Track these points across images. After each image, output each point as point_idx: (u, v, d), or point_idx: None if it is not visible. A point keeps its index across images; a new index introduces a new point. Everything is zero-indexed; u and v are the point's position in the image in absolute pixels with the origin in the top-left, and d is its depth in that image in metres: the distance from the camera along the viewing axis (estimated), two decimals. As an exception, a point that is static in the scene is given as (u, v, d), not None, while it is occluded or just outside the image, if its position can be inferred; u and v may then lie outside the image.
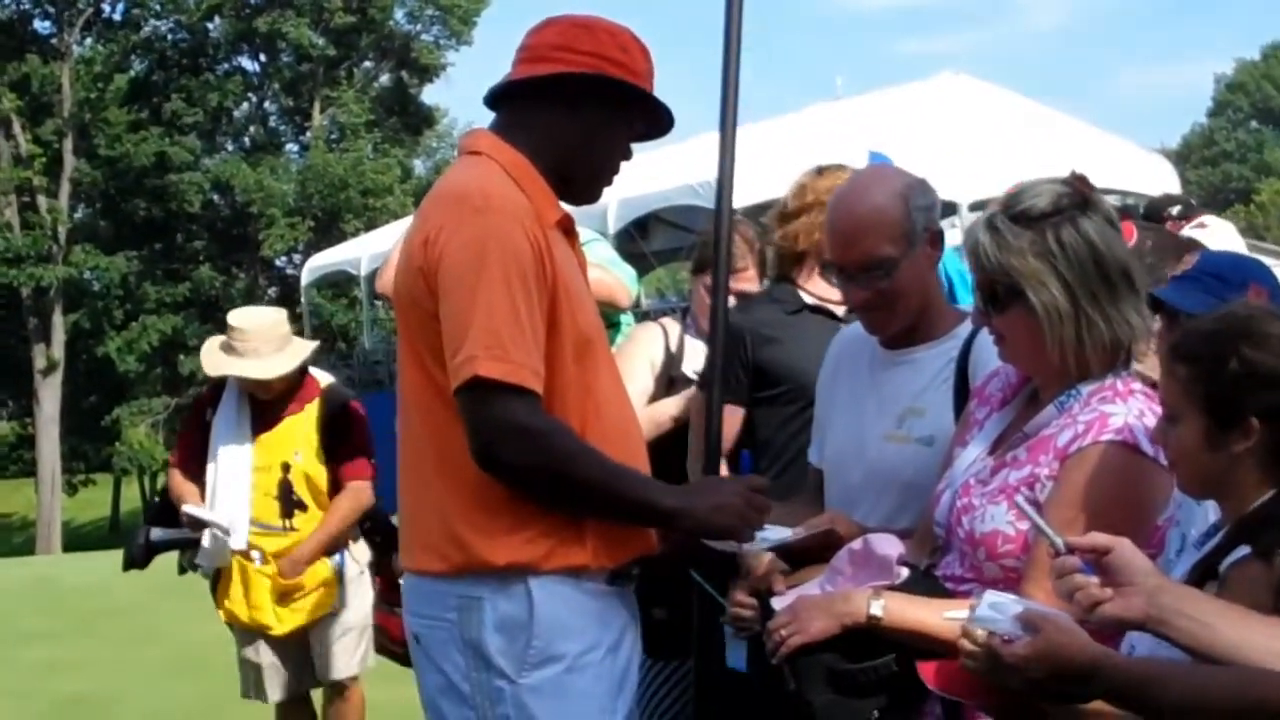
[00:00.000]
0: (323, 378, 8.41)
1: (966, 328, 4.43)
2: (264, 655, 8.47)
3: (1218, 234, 8.02)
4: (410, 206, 47.80)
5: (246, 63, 60.71)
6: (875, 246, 4.36)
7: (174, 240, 59.03)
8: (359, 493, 8.23)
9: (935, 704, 3.78)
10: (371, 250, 31.48)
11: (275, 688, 8.49)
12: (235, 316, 8.25)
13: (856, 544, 3.93)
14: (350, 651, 8.44)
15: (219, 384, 8.33)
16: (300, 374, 8.19)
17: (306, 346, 8.20)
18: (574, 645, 4.06)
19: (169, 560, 8.48)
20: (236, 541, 8.11)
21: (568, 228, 4.23)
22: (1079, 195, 3.82)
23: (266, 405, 8.20)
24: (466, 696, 4.06)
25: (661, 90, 4.29)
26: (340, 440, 8.21)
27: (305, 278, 39.60)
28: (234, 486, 8.10)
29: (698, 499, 4.06)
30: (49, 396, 53.79)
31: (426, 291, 3.99)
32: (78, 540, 54.45)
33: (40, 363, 53.68)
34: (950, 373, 4.46)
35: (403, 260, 4.14)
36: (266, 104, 62.73)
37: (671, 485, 4.17)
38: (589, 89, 4.16)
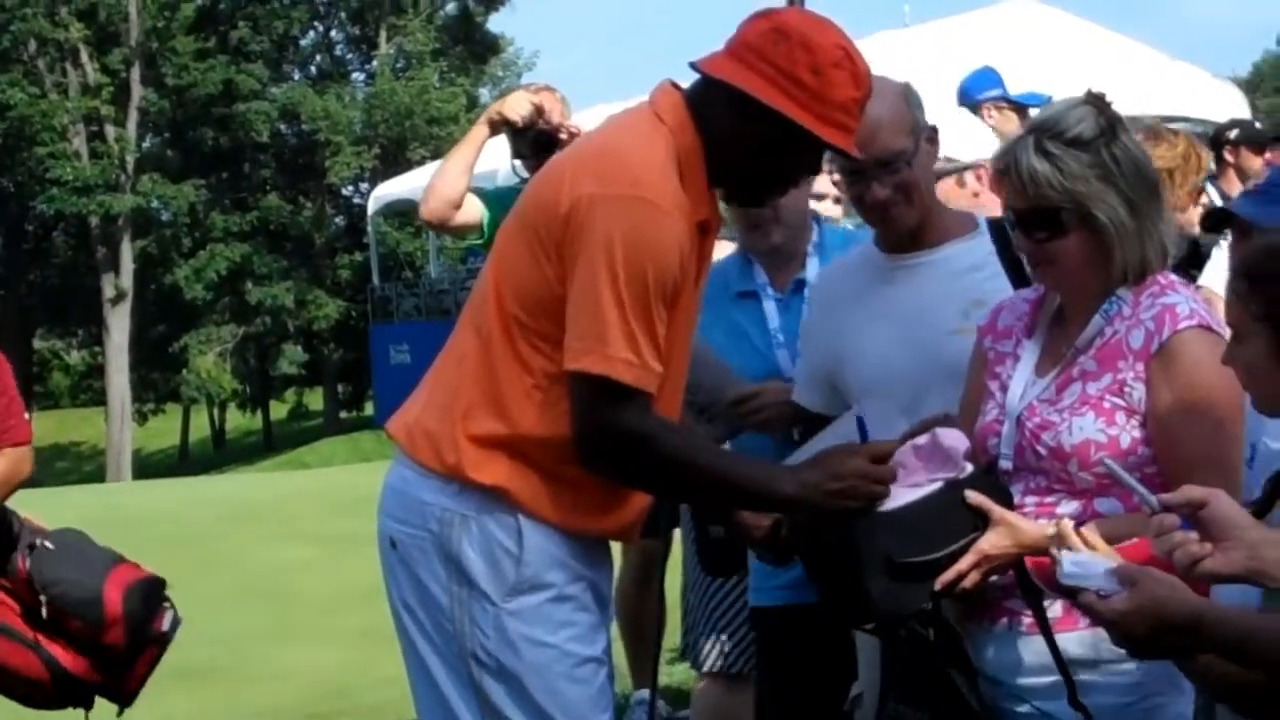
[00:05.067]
0: None
1: (979, 226, 4.70)
2: None
3: None
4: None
5: (313, -10, 60.73)
6: (892, 140, 4.46)
7: (241, 169, 59.23)
8: (18, 461, 5.96)
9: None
10: (437, 179, 31.42)
11: None
12: None
13: (922, 439, 3.93)
14: None
15: None
16: None
17: None
18: (561, 576, 4.08)
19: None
20: None
21: (708, 228, 4.11)
22: (1105, 113, 3.88)
23: None
24: (445, 608, 4.08)
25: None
26: None
27: (371, 206, 39.73)
28: None
29: (814, 481, 3.92)
30: (118, 325, 54.09)
31: (550, 242, 3.94)
32: (148, 469, 54.88)
33: (109, 292, 53.97)
34: (989, 264, 4.60)
35: (534, 197, 4.09)
36: (333, 32, 62.81)
37: (784, 466, 4.16)
38: (759, 108, 3.91)
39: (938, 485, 3.86)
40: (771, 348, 5.43)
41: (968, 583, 3.81)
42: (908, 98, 4.57)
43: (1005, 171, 3.88)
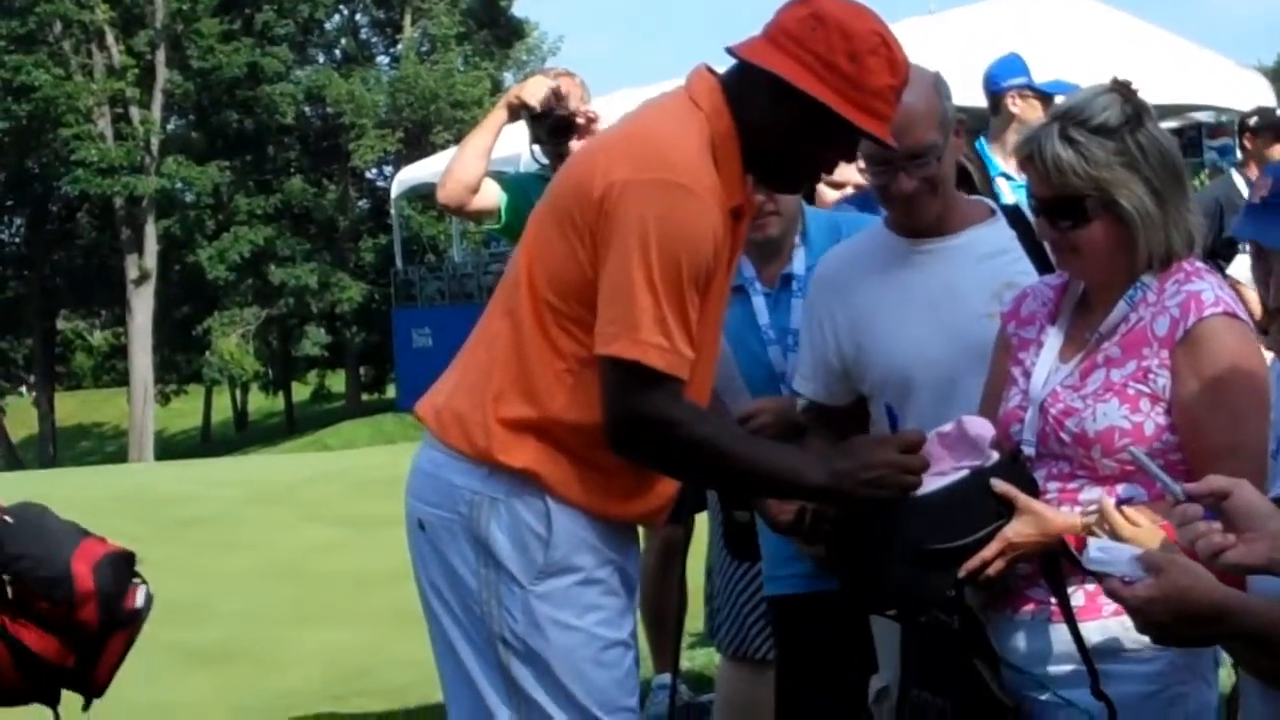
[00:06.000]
0: None
1: (995, 212, 4.75)
2: None
3: None
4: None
5: (338, -26, 60.74)
6: (925, 134, 4.47)
7: (265, 151, 59.30)
8: None
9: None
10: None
11: None
12: None
13: (947, 427, 3.93)
14: None
15: None
16: None
17: None
18: (590, 560, 4.09)
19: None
20: None
21: (741, 214, 4.11)
22: (1130, 100, 3.88)
23: None
24: (472, 591, 4.08)
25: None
26: None
27: (395, 189, 39.70)
28: None
29: (846, 470, 3.91)
30: (141, 306, 54.20)
31: (584, 226, 3.92)
32: (170, 449, 55.04)
33: (133, 273, 54.09)
34: (1013, 248, 4.63)
35: (567, 180, 4.07)
36: (358, 15, 62.80)
37: (815, 455, 4.14)
38: (796, 93, 3.89)
39: (964, 473, 3.86)
40: (762, 345, 5.41)
41: (992, 570, 3.80)
42: (939, 89, 4.55)
43: (1030, 158, 3.87)
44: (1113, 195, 3.80)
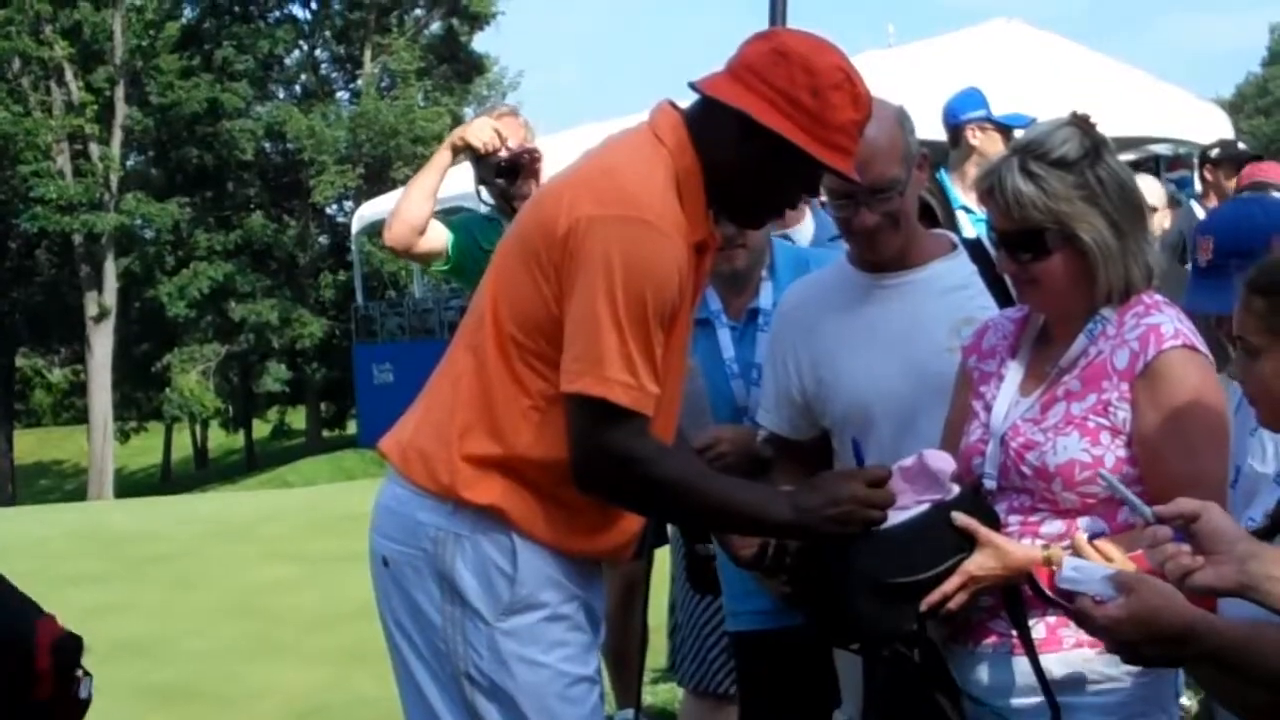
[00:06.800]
0: None
1: (957, 246, 4.76)
2: None
3: None
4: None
5: (298, 10, 60.80)
6: (887, 169, 4.49)
7: (225, 187, 59.22)
8: None
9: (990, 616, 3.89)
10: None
11: None
12: None
13: (908, 461, 3.93)
14: None
15: None
16: None
17: None
18: (555, 596, 4.07)
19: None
20: None
21: (705, 248, 4.09)
22: (1090, 134, 3.90)
23: None
24: (437, 627, 4.07)
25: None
26: None
27: (356, 225, 39.69)
28: None
29: (811, 506, 3.89)
30: (101, 343, 54.04)
31: (549, 263, 3.92)
32: (130, 487, 54.79)
33: (92, 310, 53.93)
34: (973, 283, 4.64)
35: (532, 216, 4.06)
36: (318, 51, 62.78)
37: (780, 491, 4.12)
38: (759, 129, 3.89)
39: (925, 507, 3.86)
40: (726, 379, 5.41)
41: (953, 604, 3.80)
42: (903, 123, 4.58)
43: (990, 192, 3.88)
44: (1072, 228, 3.82)
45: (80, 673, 4.55)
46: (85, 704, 4.54)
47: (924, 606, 3.79)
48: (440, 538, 4.04)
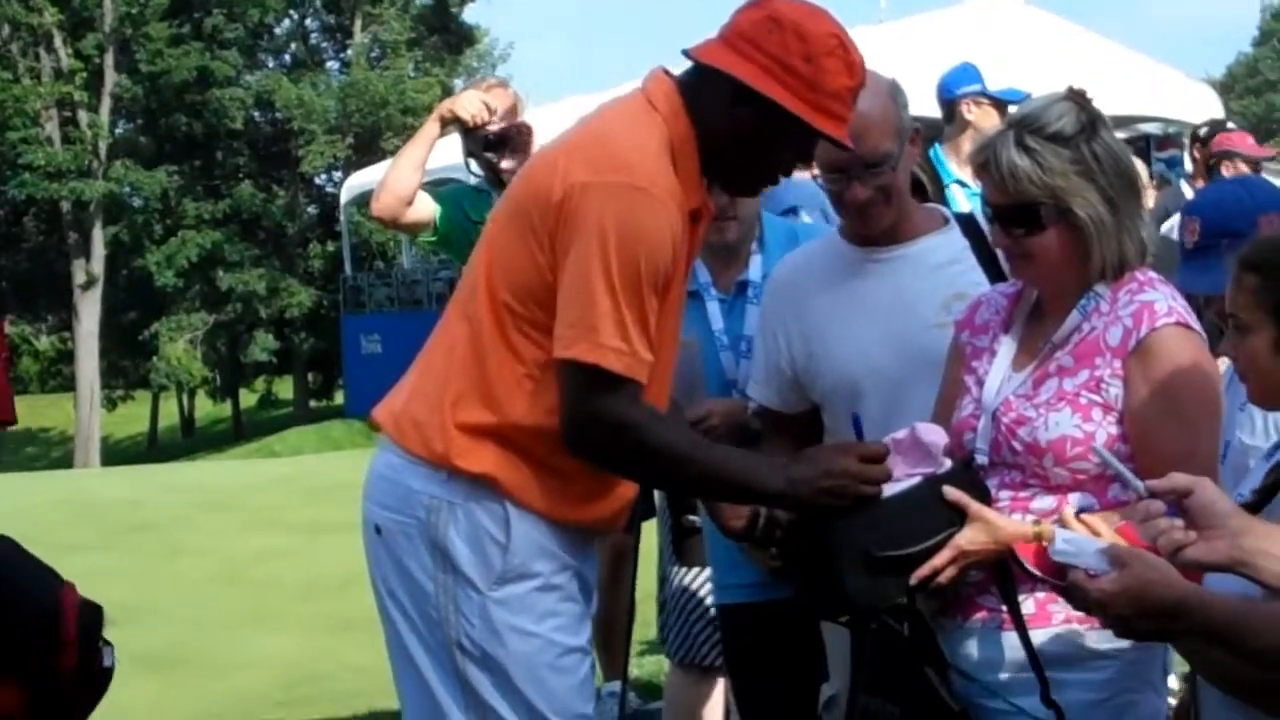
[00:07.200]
0: None
1: (949, 221, 4.74)
2: None
3: None
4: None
5: (288, -22, 60.59)
6: (880, 142, 4.48)
7: (214, 156, 59.08)
8: None
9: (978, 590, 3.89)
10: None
11: None
12: None
13: (901, 434, 3.94)
14: None
15: None
16: None
17: None
18: (548, 566, 4.07)
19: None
20: None
21: (699, 216, 4.09)
22: (1086, 109, 3.91)
23: None
24: (429, 595, 4.06)
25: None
26: None
27: (345, 195, 39.56)
28: None
29: (804, 477, 3.90)
30: (88, 311, 53.94)
31: (543, 230, 3.92)
32: (116, 456, 54.75)
33: (80, 277, 53.84)
34: (965, 258, 4.63)
35: (526, 184, 4.06)
36: (308, 20, 62.67)
37: (773, 461, 4.11)
38: (753, 95, 3.90)
39: (916, 480, 3.87)
40: (715, 351, 5.41)
41: (943, 578, 3.80)
42: (896, 97, 4.57)
43: (985, 166, 3.88)
44: (1067, 203, 3.82)
45: (102, 642, 4.49)
46: (109, 673, 4.43)
47: (914, 580, 3.80)
48: (434, 505, 4.03)
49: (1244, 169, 9.59)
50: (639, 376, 3.87)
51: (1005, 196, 3.86)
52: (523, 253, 3.95)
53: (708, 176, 4.07)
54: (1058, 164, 3.81)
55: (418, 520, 4.05)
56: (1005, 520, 3.79)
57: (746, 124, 3.95)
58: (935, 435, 3.91)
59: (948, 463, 3.90)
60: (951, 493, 3.81)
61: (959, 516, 3.80)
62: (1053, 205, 3.83)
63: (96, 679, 4.50)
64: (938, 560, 3.79)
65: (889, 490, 3.87)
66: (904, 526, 3.81)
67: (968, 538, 3.79)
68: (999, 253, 4.15)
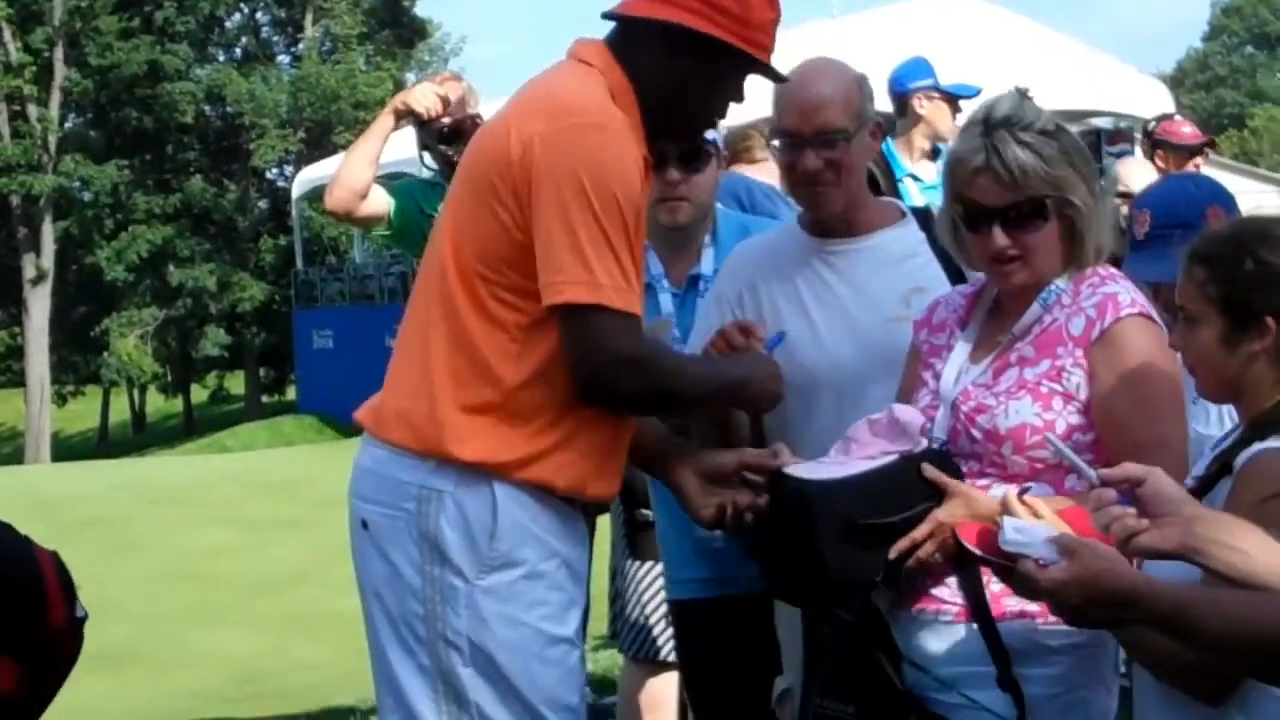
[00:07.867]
0: None
1: (906, 214, 4.79)
2: None
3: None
4: (402, 120, 47.72)
5: (238, -28, 60.40)
6: (835, 117, 4.52)
7: (165, 151, 58.88)
8: None
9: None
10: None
11: None
12: None
13: (878, 415, 3.97)
14: None
15: None
16: None
17: None
18: (534, 553, 4.04)
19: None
20: None
21: (645, 166, 4.10)
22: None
23: None
24: (416, 590, 4.02)
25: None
26: None
27: (296, 190, 39.59)
28: None
29: (754, 370, 4.21)
30: (38, 306, 53.74)
31: (507, 190, 3.91)
32: (67, 451, 54.54)
33: (29, 272, 53.63)
34: (922, 251, 4.64)
35: (479, 153, 4.08)
36: (259, 14, 62.48)
37: (724, 359, 4.31)
38: (688, 40, 3.98)
39: (893, 457, 3.88)
40: (668, 344, 5.39)
41: (923, 552, 3.81)
42: (861, 87, 4.62)
43: (984, 168, 3.87)
44: (1067, 194, 3.87)
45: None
46: (83, 622, 4.45)
47: (893, 553, 3.81)
48: (423, 495, 4.00)
49: (1173, 162, 9.60)
50: (637, 310, 3.90)
51: (1011, 194, 3.87)
52: (488, 219, 3.94)
53: (648, 128, 4.10)
54: (1057, 156, 3.87)
55: (407, 511, 4.02)
56: (983, 496, 3.79)
57: (681, 68, 4.03)
58: (912, 415, 3.95)
59: (924, 442, 3.93)
60: (929, 470, 3.84)
61: (937, 494, 3.82)
62: (1056, 197, 3.87)
63: (77, 628, 4.53)
64: (917, 533, 3.80)
65: (868, 465, 3.89)
66: (883, 498, 3.84)
67: (946, 511, 3.80)
68: (974, 258, 4.10)
